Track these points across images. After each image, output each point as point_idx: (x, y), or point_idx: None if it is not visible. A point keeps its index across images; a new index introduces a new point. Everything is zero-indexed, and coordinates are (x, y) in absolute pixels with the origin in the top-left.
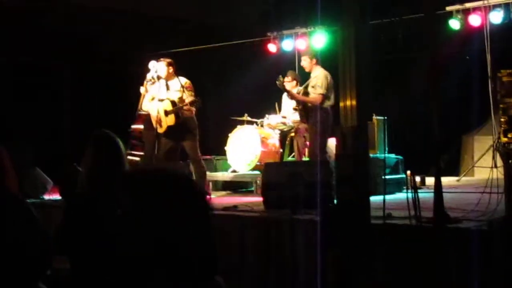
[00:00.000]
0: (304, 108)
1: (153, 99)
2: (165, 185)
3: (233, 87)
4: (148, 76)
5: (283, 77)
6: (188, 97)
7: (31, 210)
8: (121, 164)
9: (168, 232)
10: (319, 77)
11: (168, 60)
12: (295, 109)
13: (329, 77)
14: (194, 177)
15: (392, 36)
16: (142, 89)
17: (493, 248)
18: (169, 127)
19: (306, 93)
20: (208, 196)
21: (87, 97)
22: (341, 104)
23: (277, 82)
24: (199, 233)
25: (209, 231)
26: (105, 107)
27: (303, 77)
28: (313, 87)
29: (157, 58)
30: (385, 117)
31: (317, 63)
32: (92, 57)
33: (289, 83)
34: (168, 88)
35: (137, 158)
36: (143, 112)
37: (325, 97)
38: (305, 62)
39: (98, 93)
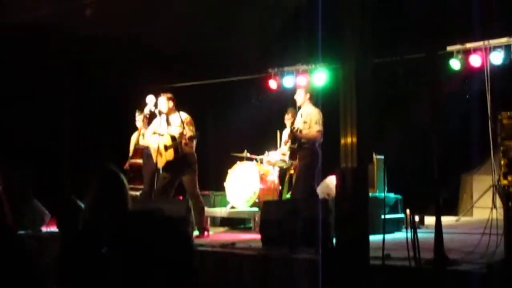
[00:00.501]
0: (298, 146)
1: (154, 133)
2: (154, 229)
3: (233, 122)
4: (146, 110)
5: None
6: (188, 132)
7: (24, 245)
8: (125, 201)
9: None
10: (313, 113)
11: (168, 95)
12: (291, 148)
13: (320, 114)
14: (192, 213)
15: (392, 75)
16: (138, 124)
17: None
18: (168, 162)
19: (300, 131)
20: (205, 232)
21: (84, 127)
22: (342, 141)
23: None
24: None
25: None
26: (101, 136)
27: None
28: (305, 122)
29: (156, 92)
30: (384, 156)
31: (310, 100)
32: (91, 87)
33: (289, 120)
34: (168, 123)
35: (136, 193)
36: (141, 146)
37: (321, 134)
38: (299, 96)
39: (95, 122)
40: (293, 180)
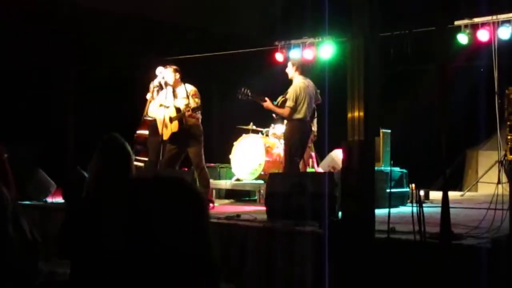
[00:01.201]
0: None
1: (160, 105)
2: (165, 193)
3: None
4: (155, 82)
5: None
6: (192, 104)
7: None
8: (128, 169)
9: (167, 237)
10: (292, 88)
11: (174, 66)
12: (274, 117)
13: (300, 89)
14: (197, 184)
15: (400, 49)
16: (148, 95)
17: (497, 266)
18: (173, 134)
19: (283, 102)
20: (211, 204)
21: (92, 101)
22: (349, 115)
23: (245, 95)
24: (198, 238)
25: (207, 236)
26: (110, 111)
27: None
28: (288, 97)
29: (163, 64)
30: (390, 130)
31: (299, 73)
32: (97, 61)
33: None
34: (175, 96)
35: (141, 164)
36: (149, 118)
37: (292, 110)
38: (288, 69)
39: (103, 96)
40: None
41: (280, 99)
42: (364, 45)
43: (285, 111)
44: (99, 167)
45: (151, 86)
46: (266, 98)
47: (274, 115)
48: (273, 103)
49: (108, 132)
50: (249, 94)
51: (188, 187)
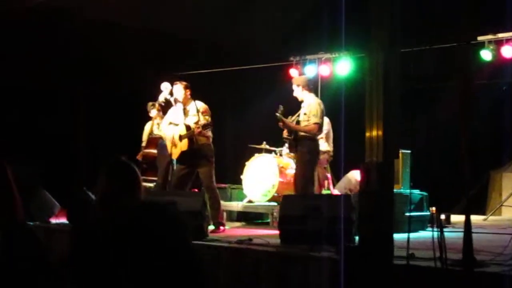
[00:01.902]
0: (295, 138)
1: (170, 123)
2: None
3: (252, 113)
4: (160, 98)
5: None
6: (202, 121)
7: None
8: (135, 192)
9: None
10: (312, 105)
11: (185, 83)
12: (286, 138)
13: (322, 105)
14: (208, 207)
15: (421, 65)
16: (153, 112)
17: None
18: (183, 153)
19: (297, 122)
20: (221, 227)
21: (99, 117)
22: (367, 135)
23: (277, 113)
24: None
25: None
26: (119, 129)
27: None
28: (305, 114)
29: (171, 80)
30: (410, 151)
31: (308, 90)
32: (105, 77)
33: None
34: (185, 113)
35: (151, 184)
36: (156, 136)
37: (319, 127)
38: (295, 91)
39: (110, 113)
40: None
41: (294, 118)
42: (383, 61)
43: (312, 128)
44: (105, 189)
45: (152, 106)
46: (286, 119)
47: (286, 135)
48: None
49: (116, 151)
50: (280, 111)
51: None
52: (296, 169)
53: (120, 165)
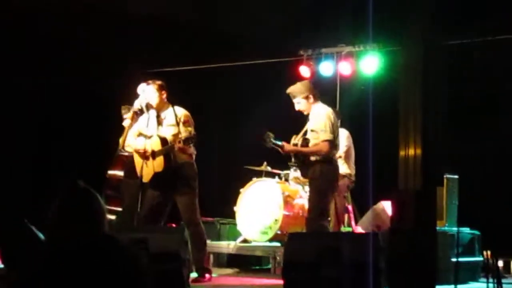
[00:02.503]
0: (304, 162)
1: (139, 134)
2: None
3: (248, 123)
4: (136, 104)
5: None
6: (183, 133)
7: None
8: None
9: None
10: (319, 117)
11: (159, 82)
12: (294, 165)
13: (332, 115)
14: (189, 247)
15: (471, 62)
16: (126, 122)
17: None
18: (157, 175)
19: (305, 141)
20: (207, 275)
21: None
22: (401, 154)
23: (267, 144)
24: None
25: None
26: (75, 143)
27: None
28: (313, 131)
29: (146, 79)
30: (458, 176)
31: (314, 99)
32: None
33: None
34: (159, 122)
35: (112, 217)
36: (125, 153)
37: (331, 144)
38: (300, 105)
39: (65, 118)
40: (332, 205)
41: (299, 137)
42: (423, 57)
43: (321, 148)
44: (57, 224)
45: (124, 112)
46: (284, 143)
47: (293, 159)
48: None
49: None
50: (270, 139)
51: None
52: (308, 203)
53: (78, 193)
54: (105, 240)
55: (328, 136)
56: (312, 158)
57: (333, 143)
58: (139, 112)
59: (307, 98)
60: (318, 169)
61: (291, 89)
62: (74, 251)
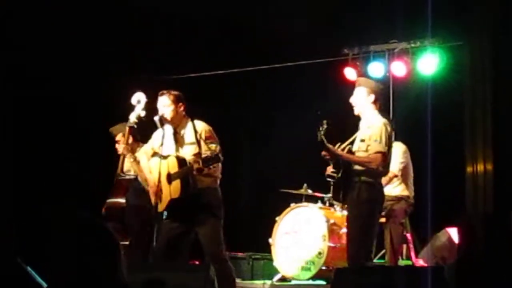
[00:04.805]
0: (344, 176)
1: (153, 154)
2: None
3: (283, 137)
4: (131, 117)
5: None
6: (205, 152)
7: None
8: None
9: None
10: (375, 126)
11: (175, 92)
12: (330, 176)
13: (389, 127)
14: (215, 286)
15: None
16: (120, 147)
17: None
18: (173, 202)
19: (350, 152)
20: None
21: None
22: (468, 170)
23: (319, 131)
24: None
25: None
26: (70, 163)
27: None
28: (363, 140)
29: (151, 88)
30: None
31: (377, 107)
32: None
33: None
34: (177, 140)
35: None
36: (125, 177)
37: (384, 157)
38: (359, 98)
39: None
40: (387, 234)
41: (345, 145)
42: (492, 54)
43: (373, 160)
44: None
45: (115, 134)
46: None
47: (332, 171)
48: None
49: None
50: (323, 129)
51: None
52: (347, 231)
53: (94, 230)
54: None
55: (382, 148)
56: (356, 171)
57: (386, 158)
58: (136, 127)
59: (365, 94)
60: (363, 187)
61: (359, 79)
62: None
